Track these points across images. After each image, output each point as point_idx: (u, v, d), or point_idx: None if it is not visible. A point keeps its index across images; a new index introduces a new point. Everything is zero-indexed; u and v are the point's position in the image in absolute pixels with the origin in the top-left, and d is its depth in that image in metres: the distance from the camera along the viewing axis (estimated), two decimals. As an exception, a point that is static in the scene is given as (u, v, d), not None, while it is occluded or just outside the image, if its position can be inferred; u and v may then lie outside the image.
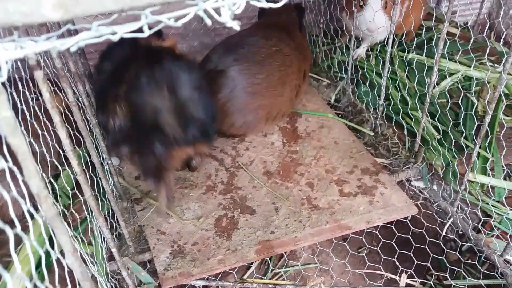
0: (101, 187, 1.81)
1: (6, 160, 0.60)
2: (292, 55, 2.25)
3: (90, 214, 1.44)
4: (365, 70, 2.56)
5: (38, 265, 1.46)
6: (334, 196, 1.93)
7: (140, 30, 0.54)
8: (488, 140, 1.97)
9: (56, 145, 1.35)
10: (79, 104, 1.50)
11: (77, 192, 1.39)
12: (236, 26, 0.58)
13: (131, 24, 0.54)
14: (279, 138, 2.29)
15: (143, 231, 1.82)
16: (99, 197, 1.84)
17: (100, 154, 1.71)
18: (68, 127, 1.09)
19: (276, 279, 1.81)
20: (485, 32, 1.88)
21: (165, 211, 1.81)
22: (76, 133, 1.41)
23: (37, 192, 0.57)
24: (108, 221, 1.73)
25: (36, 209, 0.62)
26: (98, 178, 1.64)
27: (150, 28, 0.55)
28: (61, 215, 1.00)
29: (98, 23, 0.56)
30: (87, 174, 1.14)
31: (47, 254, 1.35)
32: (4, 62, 0.50)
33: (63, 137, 0.89)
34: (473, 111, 1.88)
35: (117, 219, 1.70)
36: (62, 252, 0.71)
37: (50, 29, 1.51)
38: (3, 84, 0.50)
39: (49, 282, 0.74)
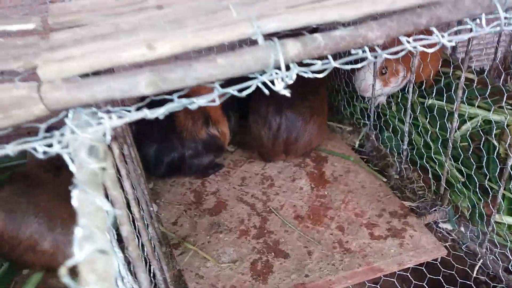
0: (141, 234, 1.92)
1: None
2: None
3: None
4: (387, 116, 2.68)
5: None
6: (365, 239, 1.99)
7: (213, 100, 0.67)
8: (512, 182, 2.03)
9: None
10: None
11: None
12: (287, 93, 0.71)
13: (206, 95, 0.67)
14: (307, 182, 2.39)
15: (182, 275, 1.90)
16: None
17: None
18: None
19: (311, 322, 1.85)
20: (502, 76, 1.98)
21: None
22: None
23: (126, 235, 0.69)
24: (147, 265, 1.82)
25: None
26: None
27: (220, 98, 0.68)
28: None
29: (177, 94, 0.70)
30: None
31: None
32: (109, 129, 0.64)
33: (128, 187, 1.02)
34: (495, 154, 1.95)
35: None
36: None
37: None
38: (109, 146, 0.63)
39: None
